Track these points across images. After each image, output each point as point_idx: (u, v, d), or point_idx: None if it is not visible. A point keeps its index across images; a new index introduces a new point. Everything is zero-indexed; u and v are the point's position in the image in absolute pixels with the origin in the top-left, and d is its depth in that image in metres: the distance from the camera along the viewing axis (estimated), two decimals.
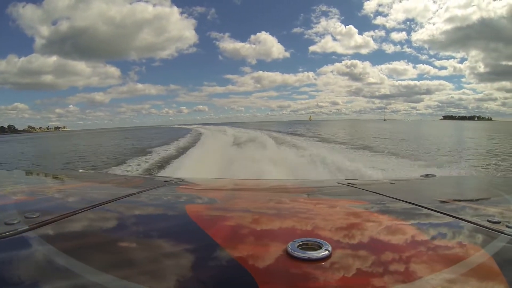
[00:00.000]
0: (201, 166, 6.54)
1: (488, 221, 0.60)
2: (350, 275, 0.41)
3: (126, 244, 0.54)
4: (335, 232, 0.59)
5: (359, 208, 0.84)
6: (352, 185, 1.18)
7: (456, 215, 0.67)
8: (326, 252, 0.45)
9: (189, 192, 1.24)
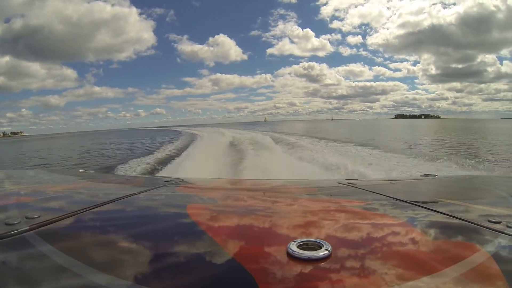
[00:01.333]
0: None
1: (489, 221, 0.60)
2: (350, 275, 0.41)
3: (126, 244, 0.54)
4: (335, 232, 0.59)
5: (359, 208, 0.84)
6: (352, 185, 1.18)
7: (456, 215, 0.67)
8: (326, 252, 0.45)
9: (189, 192, 1.24)
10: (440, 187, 1.38)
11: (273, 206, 0.88)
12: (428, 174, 1.57)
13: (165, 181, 1.29)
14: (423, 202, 0.81)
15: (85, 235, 0.59)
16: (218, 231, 0.60)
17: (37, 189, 1.16)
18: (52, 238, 0.53)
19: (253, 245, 0.52)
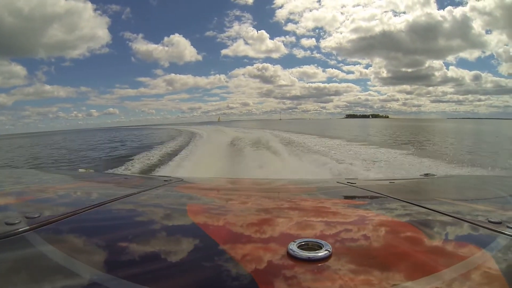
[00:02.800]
0: None
1: (488, 221, 0.60)
2: (350, 275, 0.41)
3: (126, 244, 0.54)
4: (335, 232, 0.59)
5: (359, 208, 0.84)
6: (352, 184, 1.18)
7: (456, 215, 0.67)
8: (326, 252, 0.45)
9: (189, 191, 1.23)
10: (440, 187, 1.39)
11: (273, 206, 0.88)
12: (428, 174, 1.57)
13: (164, 180, 1.29)
14: (423, 202, 0.81)
15: (85, 234, 0.59)
16: (217, 230, 0.60)
17: (37, 189, 1.16)
18: (52, 238, 0.53)
19: (253, 245, 0.52)
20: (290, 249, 0.46)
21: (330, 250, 0.46)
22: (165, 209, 0.86)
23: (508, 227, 0.57)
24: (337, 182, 1.30)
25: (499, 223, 0.59)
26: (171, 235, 0.60)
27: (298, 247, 0.47)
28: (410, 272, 0.42)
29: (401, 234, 0.59)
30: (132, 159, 8.33)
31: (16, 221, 0.57)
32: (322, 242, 0.48)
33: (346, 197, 1.05)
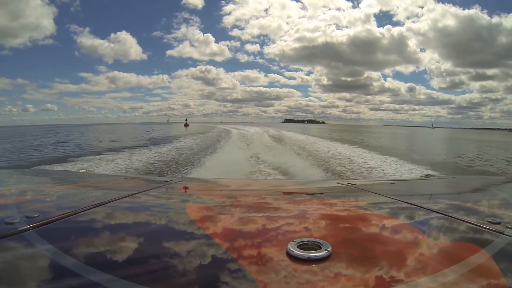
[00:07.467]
0: None
1: (488, 221, 0.60)
2: (349, 275, 0.41)
3: (126, 244, 0.54)
4: (335, 233, 0.59)
5: (359, 208, 0.84)
6: (352, 185, 1.18)
7: (456, 215, 0.67)
8: (326, 252, 0.45)
9: (189, 192, 1.24)
10: (440, 188, 1.39)
11: (273, 206, 0.88)
12: (428, 175, 1.58)
13: (164, 181, 1.29)
14: (423, 203, 0.81)
15: (85, 234, 0.59)
16: (217, 231, 0.60)
17: (37, 189, 1.16)
18: (51, 237, 0.53)
19: (253, 245, 0.52)
20: (290, 249, 0.46)
21: (330, 250, 0.46)
22: (165, 209, 0.86)
23: (507, 227, 0.57)
24: (338, 183, 1.30)
25: (499, 223, 0.59)
26: (171, 235, 0.60)
27: (297, 247, 0.47)
28: (410, 272, 0.42)
29: (401, 234, 0.59)
30: None
31: (16, 221, 0.57)
32: (322, 242, 0.48)
33: (346, 198, 1.05)
